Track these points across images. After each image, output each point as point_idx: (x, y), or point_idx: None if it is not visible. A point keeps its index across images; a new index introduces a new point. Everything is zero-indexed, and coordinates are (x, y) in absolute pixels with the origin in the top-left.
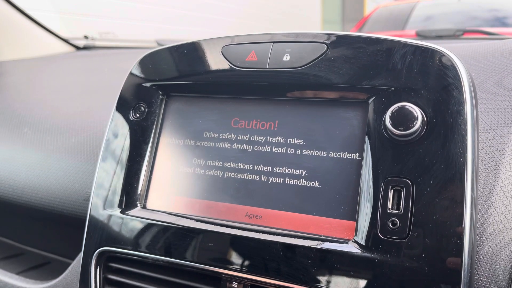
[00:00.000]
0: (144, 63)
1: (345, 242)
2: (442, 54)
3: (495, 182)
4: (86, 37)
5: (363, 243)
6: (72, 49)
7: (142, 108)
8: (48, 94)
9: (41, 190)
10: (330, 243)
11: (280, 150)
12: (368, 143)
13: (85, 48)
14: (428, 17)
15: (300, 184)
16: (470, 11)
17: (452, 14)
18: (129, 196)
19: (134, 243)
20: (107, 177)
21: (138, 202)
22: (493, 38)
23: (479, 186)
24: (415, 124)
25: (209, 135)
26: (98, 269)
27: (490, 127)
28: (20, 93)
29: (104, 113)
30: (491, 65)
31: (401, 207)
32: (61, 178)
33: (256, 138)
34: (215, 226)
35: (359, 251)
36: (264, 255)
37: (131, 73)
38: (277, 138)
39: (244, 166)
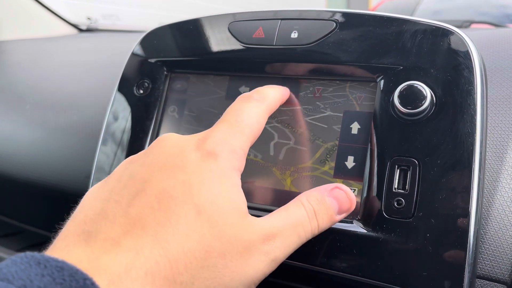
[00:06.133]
0: (149, 39)
1: (350, 221)
2: (452, 33)
3: (502, 165)
4: (89, 18)
5: (367, 222)
6: (75, 31)
7: (146, 84)
8: (50, 73)
9: (43, 167)
10: None
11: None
12: (376, 122)
13: (88, 30)
14: (435, 12)
15: None
16: (478, 6)
17: (459, 10)
18: None
19: None
20: (109, 153)
21: None
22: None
23: (486, 169)
24: (424, 103)
25: (214, 112)
26: None
27: (499, 111)
28: (22, 71)
29: (106, 91)
30: (501, 51)
31: (407, 186)
32: (63, 155)
33: None
34: None
35: (364, 231)
36: None
37: (135, 49)
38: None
39: None
